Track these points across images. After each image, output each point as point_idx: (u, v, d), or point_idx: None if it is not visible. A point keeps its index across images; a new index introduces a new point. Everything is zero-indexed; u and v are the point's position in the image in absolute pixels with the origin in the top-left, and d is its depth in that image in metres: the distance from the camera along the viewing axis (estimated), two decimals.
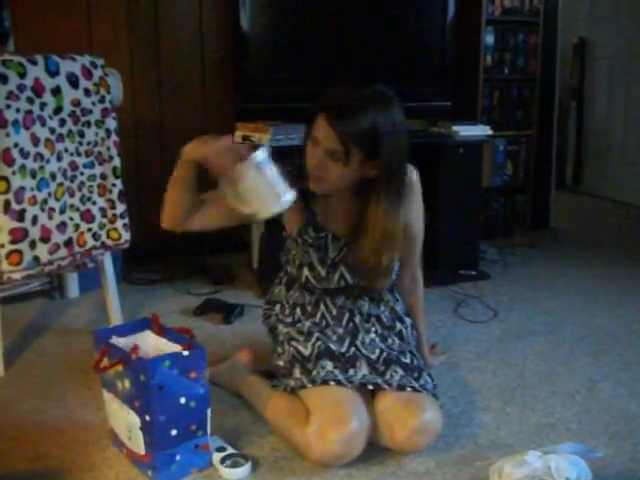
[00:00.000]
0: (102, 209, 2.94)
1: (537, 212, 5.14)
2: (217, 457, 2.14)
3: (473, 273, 4.02)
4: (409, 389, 2.21)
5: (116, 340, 2.18)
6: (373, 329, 2.43)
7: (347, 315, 2.44)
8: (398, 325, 2.50)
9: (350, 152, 2.15)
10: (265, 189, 2.00)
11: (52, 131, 2.70)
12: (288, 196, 2.02)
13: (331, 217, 2.40)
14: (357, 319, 2.44)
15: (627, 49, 6.08)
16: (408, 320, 2.56)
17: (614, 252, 4.65)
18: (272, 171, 2.01)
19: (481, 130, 4.11)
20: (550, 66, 4.97)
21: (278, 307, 2.53)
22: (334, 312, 2.44)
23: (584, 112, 6.61)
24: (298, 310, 2.47)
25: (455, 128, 3.97)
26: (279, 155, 2.13)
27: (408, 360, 2.35)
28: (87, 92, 2.83)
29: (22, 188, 2.57)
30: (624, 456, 2.22)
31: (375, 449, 2.20)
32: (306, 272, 2.40)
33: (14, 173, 2.54)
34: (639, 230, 5.33)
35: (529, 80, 4.85)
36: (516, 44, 4.75)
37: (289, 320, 2.47)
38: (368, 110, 2.15)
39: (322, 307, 2.45)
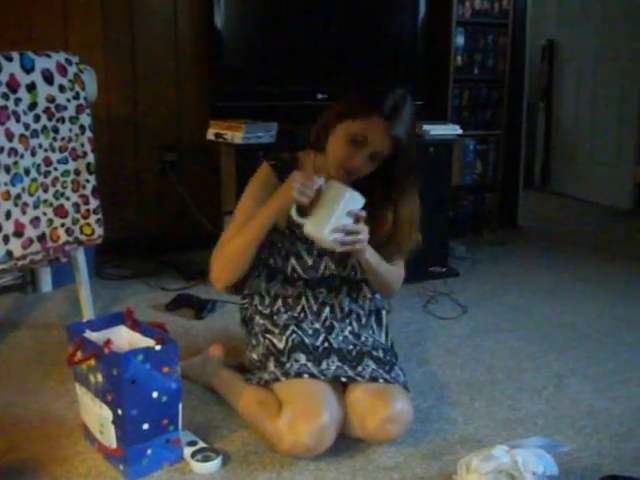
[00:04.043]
0: (75, 204, 2.94)
1: (505, 210, 5.19)
2: (188, 451, 2.15)
3: (442, 270, 4.05)
4: (381, 380, 2.23)
5: (89, 334, 2.18)
6: (349, 328, 2.44)
7: (327, 311, 2.46)
8: (373, 322, 2.52)
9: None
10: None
11: (27, 127, 2.70)
12: (334, 235, 2.15)
13: None
14: (335, 316, 2.46)
15: (594, 51, 6.17)
16: (384, 314, 2.58)
17: (580, 250, 4.71)
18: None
19: (451, 129, 4.14)
20: (519, 67, 5.03)
21: (257, 298, 2.52)
22: (314, 307, 2.46)
23: (552, 113, 6.69)
24: (279, 302, 2.48)
25: (425, 127, 3.99)
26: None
27: (380, 355, 2.37)
28: (62, 88, 2.83)
29: None
30: (590, 451, 2.25)
31: (344, 443, 2.21)
32: (293, 262, 2.42)
33: None
34: (605, 229, 5.40)
35: (498, 81, 4.89)
36: (486, 45, 4.79)
37: (267, 312, 2.47)
38: (412, 116, 2.28)
39: (303, 301, 2.46)
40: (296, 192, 2.13)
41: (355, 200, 2.16)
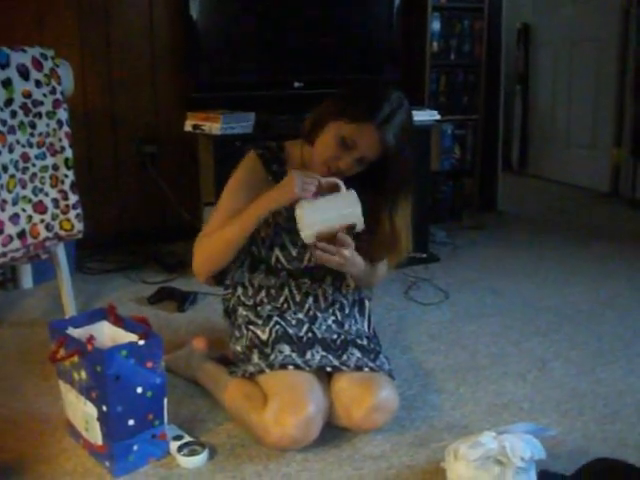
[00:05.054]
0: (54, 200, 2.92)
1: (484, 195, 5.20)
2: (174, 446, 2.14)
3: (423, 256, 4.04)
4: (366, 369, 2.24)
5: (72, 331, 2.17)
6: (332, 318, 2.44)
7: (310, 301, 2.45)
8: (356, 312, 2.52)
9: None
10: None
11: (3, 123, 2.68)
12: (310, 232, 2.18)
13: None
14: (319, 306, 2.46)
15: (570, 35, 6.18)
16: (367, 303, 2.58)
17: (560, 233, 4.74)
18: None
19: (429, 115, 4.14)
20: (495, 51, 5.03)
21: (240, 289, 2.51)
22: (297, 298, 2.45)
23: (529, 96, 6.71)
24: (262, 292, 2.47)
25: None
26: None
27: (365, 343, 2.37)
28: (38, 83, 2.81)
29: None
30: (576, 433, 2.27)
31: (330, 433, 2.21)
32: (277, 252, 2.41)
33: None
34: (583, 211, 5.43)
35: (475, 65, 4.90)
36: (462, 30, 4.79)
37: (250, 303, 2.46)
38: (409, 127, 2.27)
39: (286, 291, 2.46)
40: (299, 189, 2.15)
41: (352, 216, 2.18)
